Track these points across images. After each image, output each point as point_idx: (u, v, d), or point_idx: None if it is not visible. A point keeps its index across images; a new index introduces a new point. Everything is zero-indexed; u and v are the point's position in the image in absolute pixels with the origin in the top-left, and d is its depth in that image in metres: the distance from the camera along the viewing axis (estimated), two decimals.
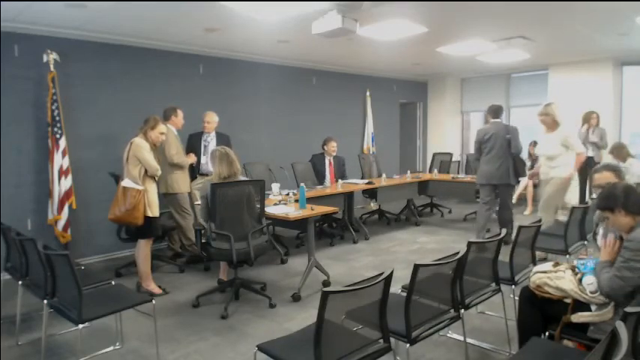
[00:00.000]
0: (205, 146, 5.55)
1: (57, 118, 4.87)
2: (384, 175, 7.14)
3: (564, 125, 5.01)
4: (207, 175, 5.45)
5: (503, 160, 5.45)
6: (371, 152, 8.71)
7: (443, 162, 8.26)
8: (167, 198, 4.98)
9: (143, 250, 4.14)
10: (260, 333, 3.37)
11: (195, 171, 5.52)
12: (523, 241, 3.13)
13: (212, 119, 5.53)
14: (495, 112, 5.63)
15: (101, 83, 5.46)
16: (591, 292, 2.34)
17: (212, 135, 5.57)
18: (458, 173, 8.13)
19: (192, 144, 5.58)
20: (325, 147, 6.63)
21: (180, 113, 5.12)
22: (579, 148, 5.02)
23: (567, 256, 3.77)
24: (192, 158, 5.23)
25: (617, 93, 8.02)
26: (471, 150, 9.90)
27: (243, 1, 4.02)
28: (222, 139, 5.55)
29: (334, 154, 6.67)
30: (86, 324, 2.71)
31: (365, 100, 8.85)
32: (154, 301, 2.96)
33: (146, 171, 4.00)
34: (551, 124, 5.00)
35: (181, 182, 5.03)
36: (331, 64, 7.94)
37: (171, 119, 5.06)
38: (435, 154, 8.53)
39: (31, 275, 3.13)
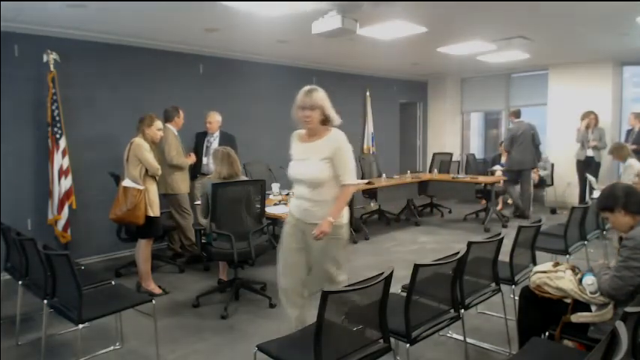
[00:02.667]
0: (207, 147, 5.55)
1: (57, 118, 4.87)
2: (384, 175, 7.14)
3: (337, 130, 2.84)
4: (207, 175, 5.46)
5: (530, 150, 7.21)
6: (371, 152, 8.71)
7: (443, 162, 8.26)
8: (167, 198, 4.98)
9: (143, 250, 4.14)
10: (260, 333, 3.37)
11: (195, 170, 5.52)
12: (523, 241, 3.13)
13: (214, 119, 5.52)
14: (518, 114, 7.41)
15: (101, 83, 5.46)
16: (591, 293, 2.34)
17: (215, 135, 5.56)
18: (458, 173, 8.13)
19: (197, 143, 5.60)
20: None
21: (181, 114, 5.13)
22: (354, 175, 2.81)
23: (567, 256, 3.77)
24: (192, 159, 5.23)
25: (617, 93, 8.02)
26: (472, 150, 10.00)
27: (243, 0, 4.02)
28: (227, 139, 5.54)
29: None
30: (86, 324, 2.71)
31: (365, 100, 8.84)
32: (153, 301, 2.96)
33: (147, 171, 4.00)
34: (318, 125, 2.80)
35: (181, 183, 5.03)
36: (331, 64, 7.94)
37: (174, 120, 5.06)
38: (435, 154, 8.53)
39: (31, 275, 3.13)
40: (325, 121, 2.80)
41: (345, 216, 2.84)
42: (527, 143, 7.17)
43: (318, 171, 2.74)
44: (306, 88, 2.82)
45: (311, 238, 2.71)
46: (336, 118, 2.82)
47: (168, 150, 4.87)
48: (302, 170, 2.80)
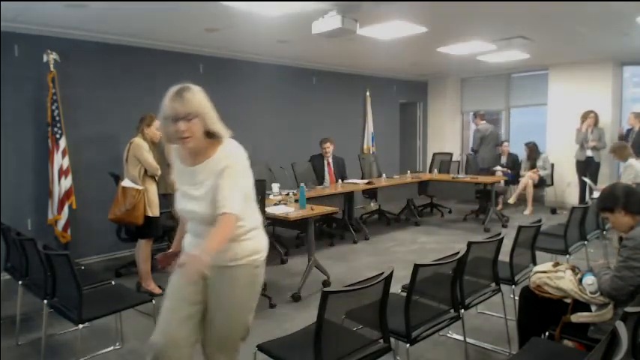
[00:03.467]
0: None
1: (57, 118, 4.87)
2: (384, 175, 7.14)
3: (233, 143, 2.03)
4: None
5: (494, 150, 8.15)
6: (371, 152, 8.71)
7: (443, 162, 8.26)
8: (167, 198, 4.96)
9: (143, 250, 4.14)
10: (260, 333, 3.36)
11: None
12: (523, 241, 3.13)
13: None
14: (484, 116, 8.25)
15: (101, 83, 5.46)
16: (591, 293, 2.34)
17: None
18: (458, 173, 8.13)
19: None
20: (320, 148, 6.64)
21: None
22: (236, 204, 1.89)
23: (567, 256, 3.77)
24: None
25: (617, 93, 8.02)
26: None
27: (243, 0, 4.02)
28: None
29: (328, 154, 6.64)
30: (86, 324, 2.71)
31: (365, 100, 8.84)
32: (153, 301, 2.95)
33: (146, 171, 4.01)
34: (202, 140, 1.95)
35: None
36: (331, 64, 7.93)
37: None
38: (435, 154, 8.53)
39: (31, 275, 3.13)
40: (211, 134, 1.94)
41: (260, 251, 2.07)
42: (493, 144, 8.09)
43: (215, 206, 1.89)
44: (175, 88, 1.95)
45: (214, 285, 2.01)
46: (223, 130, 1.97)
47: (167, 149, 4.85)
48: (193, 205, 1.98)
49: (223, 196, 1.88)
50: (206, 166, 1.96)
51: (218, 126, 1.96)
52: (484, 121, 8.14)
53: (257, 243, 2.06)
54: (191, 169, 2.00)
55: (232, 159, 1.95)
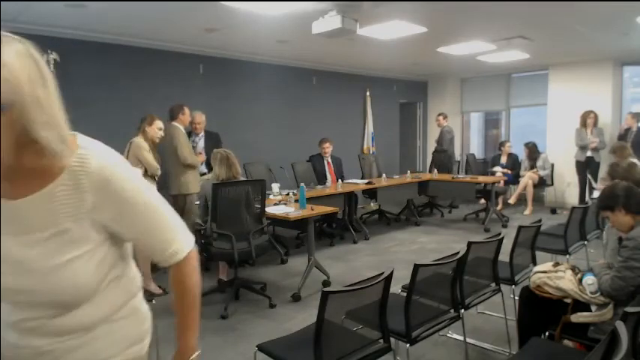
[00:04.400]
0: (193, 147, 5.51)
1: None
2: (384, 175, 7.14)
3: (92, 145, 1.10)
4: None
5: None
6: (371, 152, 8.71)
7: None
8: (176, 199, 4.85)
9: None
10: (260, 333, 3.37)
11: None
12: (523, 241, 3.13)
13: (201, 120, 5.48)
14: (447, 117, 8.32)
15: (101, 83, 5.46)
16: (591, 293, 2.34)
17: (200, 135, 5.54)
18: (458, 173, 8.14)
19: None
20: (319, 148, 6.65)
21: (187, 111, 5.03)
22: (183, 229, 1.23)
23: (567, 256, 3.77)
24: (202, 157, 5.19)
25: (617, 93, 8.02)
26: (472, 150, 9.99)
27: (243, 0, 4.03)
28: (211, 137, 5.51)
29: (327, 155, 6.65)
30: None
31: (365, 100, 8.85)
32: (154, 301, 2.94)
33: (146, 171, 4.01)
34: (11, 151, 0.88)
35: (194, 183, 4.85)
36: (331, 64, 7.94)
37: (179, 117, 4.98)
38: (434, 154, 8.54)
39: None
40: (33, 143, 0.91)
41: (143, 337, 1.30)
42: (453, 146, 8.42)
43: (68, 275, 1.02)
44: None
45: None
46: (61, 138, 0.95)
47: (180, 149, 4.71)
48: (27, 279, 1.00)
49: (160, 231, 1.19)
50: (51, 198, 0.98)
51: (60, 130, 0.95)
52: (447, 123, 8.27)
53: (137, 323, 1.26)
54: (14, 204, 0.97)
55: (110, 170, 1.09)
